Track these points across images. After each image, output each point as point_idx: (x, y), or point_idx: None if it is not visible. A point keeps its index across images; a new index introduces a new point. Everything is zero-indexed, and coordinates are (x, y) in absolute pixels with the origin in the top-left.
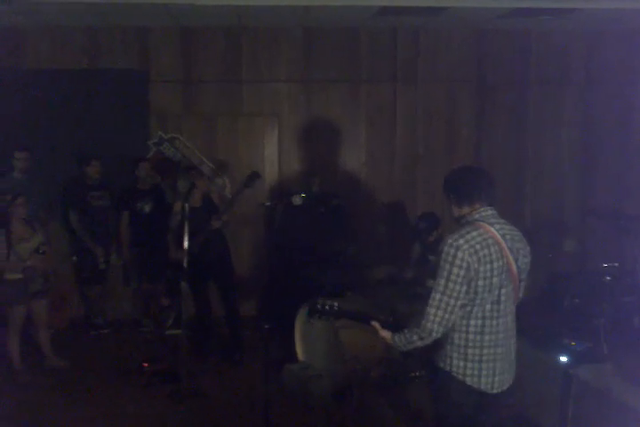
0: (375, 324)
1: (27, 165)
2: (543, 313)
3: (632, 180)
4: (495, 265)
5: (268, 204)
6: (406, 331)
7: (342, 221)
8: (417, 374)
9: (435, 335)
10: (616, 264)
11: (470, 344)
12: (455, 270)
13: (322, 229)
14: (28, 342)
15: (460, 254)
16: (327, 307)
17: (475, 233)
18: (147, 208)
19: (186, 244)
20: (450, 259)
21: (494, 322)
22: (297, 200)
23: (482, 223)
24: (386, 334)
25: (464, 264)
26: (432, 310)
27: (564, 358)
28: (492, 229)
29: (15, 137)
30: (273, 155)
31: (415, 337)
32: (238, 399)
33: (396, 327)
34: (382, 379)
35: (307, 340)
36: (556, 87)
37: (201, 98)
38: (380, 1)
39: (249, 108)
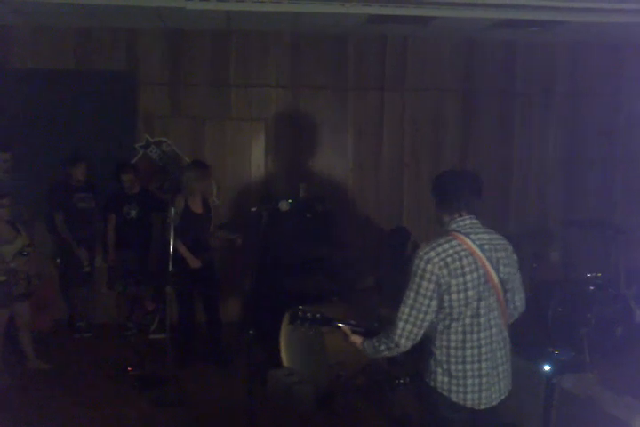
0: (345, 328)
1: (9, 165)
2: (527, 322)
3: (617, 190)
4: (469, 278)
5: (253, 209)
6: (375, 340)
7: (329, 226)
8: (401, 381)
9: (402, 349)
10: (599, 274)
11: (452, 360)
12: (424, 284)
13: (308, 234)
14: (11, 345)
15: (429, 267)
16: (308, 315)
17: (446, 245)
18: (133, 213)
19: (171, 248)
20: (419, 272)
21: (475, 336)
22: (284, 206)
23: (457, 234)
24: (355, 339)
25: (433, 277)
26: (400, 324)
27: (547, 367)
28: (467, 240)
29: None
30: (259, 159)
31: (383, 347)
32: (222, 405)
33: (366, 333)
34: (367, 385)
35: (291, 346)
36: (541, 97)
37: (189, 101)
38: (368, 9)
39: (236, 113)
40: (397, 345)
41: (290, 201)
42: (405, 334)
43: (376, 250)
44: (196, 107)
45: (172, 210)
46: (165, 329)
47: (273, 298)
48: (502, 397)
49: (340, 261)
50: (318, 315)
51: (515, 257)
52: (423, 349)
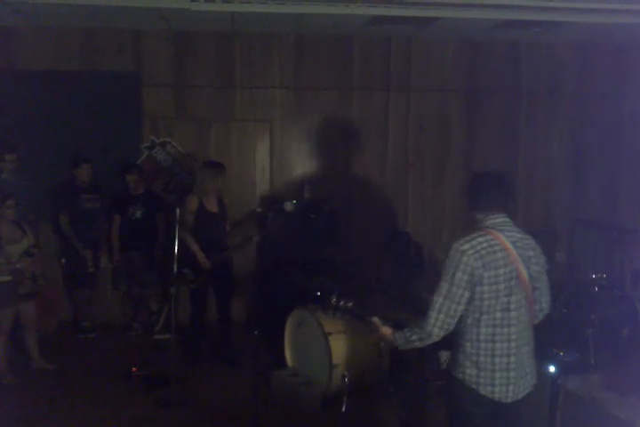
0: (376, 320)
1: (15, 166)
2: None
3: (622, 190)
4: (501, 271)
5: (259, 210)
6: (407, 330)
7: (333, 227)
8: (405, 382)
9: (434, 338)
10: (604, 275)
11: (482, 353)
12: (459, 275)
13: (313, 235)
14: (16, 345)
15: (464, 259)
16: (342, 304)
17: (481, 239)
18: (138, 213)
19: (176, 249)
20: (454, 263)
21: (505, 330)
22: (288, 206)
23: (490, 230)
24: (386, 330)
25: (468, 269)
26: (433, 314)
27: (552, 368)
28: (501, 236)
29: (4, 138)
30: (264, 160)
31: (415, 337)
32: (227, 406)
33: (395, 326)
34: (372, 386)
35: (296, 346)
36: (547, 98)
37: (194, 102)
38: (372, 10)
39: (241, 114)
40: (430, 335)
41: (294, 202)
42: (439, 323)
43: (381, 251)
44: (201, 108)
45: (178, 210)
46: (170, 330)
47: (277, 298)
48: (527, 391)
49: (345, 262)
50: (350, 304)
51: (543, 258)
52: (436, 348)
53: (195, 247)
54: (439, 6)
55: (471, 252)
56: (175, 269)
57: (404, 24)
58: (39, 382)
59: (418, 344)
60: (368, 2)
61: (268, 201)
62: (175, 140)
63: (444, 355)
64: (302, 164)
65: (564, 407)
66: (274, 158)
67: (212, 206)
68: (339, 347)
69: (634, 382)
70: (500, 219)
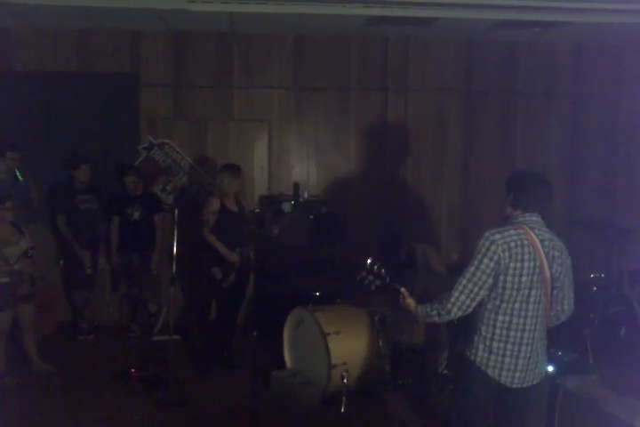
0: (404, 290)
1: (16, 165)
2: None
3: (619, 190)
4: (526, 265)
5: (257, 210)
6: (428, 305)
7: (332, 227)
8: (403, 382)
9: (452, 316)
10: (602, 275)
11: (496, 338)
12: (485, 261)
13: (311, 236)
14: (14, 346)
15: (493, 247)
16: (375, 268)
17: (512, 232)
18: (136, 214)
19: (175, 249)
20: (483, 250)
21: (521, 320)
22: (286, 207)
23: (523, 225)
24: (411, 302)
25: (495, 257)
26: (456, 294)
27: (550, 368)
28: (531, 233)
29: (4, 138)
30: (263, 161)
31: (435, 312)
32: (226, 406)
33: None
34: (370, 386)
35: (295, 347)
36: (543, 98)
37: (192, 103)
38: (369, 10)
39: (239, 114)
40: (449, 313)
41: (292, 202)
42: (458, 303)
43: (377, 252)
44: (199, 108)
45: (176, 211)
46: (169, 331)
47: (276, 299)
48: (535, 382)
49: (343, 262)
50: (383, 271)
51: (569, 261)
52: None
53: (221, 247)
54: (437, 7)
55: (501, 242)
56: (174, 269)
57: (402, 24)
58: (38, 383)
59: (436, 320)
60: (366, 2)
61: (267, 201)
62: (173, 141)
63: (443, 359)
64: (301, 164)
65: (563, 407)
66: (272, 159)
67: (233, 206)
68: (337, 347)
69: (632, 381)
70: (534, 217)
